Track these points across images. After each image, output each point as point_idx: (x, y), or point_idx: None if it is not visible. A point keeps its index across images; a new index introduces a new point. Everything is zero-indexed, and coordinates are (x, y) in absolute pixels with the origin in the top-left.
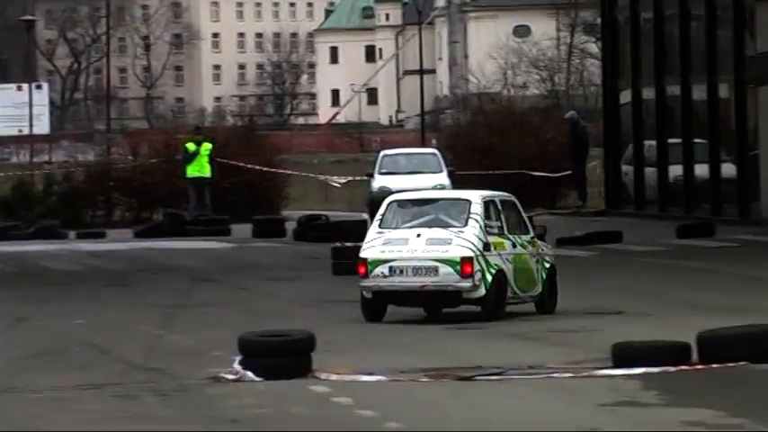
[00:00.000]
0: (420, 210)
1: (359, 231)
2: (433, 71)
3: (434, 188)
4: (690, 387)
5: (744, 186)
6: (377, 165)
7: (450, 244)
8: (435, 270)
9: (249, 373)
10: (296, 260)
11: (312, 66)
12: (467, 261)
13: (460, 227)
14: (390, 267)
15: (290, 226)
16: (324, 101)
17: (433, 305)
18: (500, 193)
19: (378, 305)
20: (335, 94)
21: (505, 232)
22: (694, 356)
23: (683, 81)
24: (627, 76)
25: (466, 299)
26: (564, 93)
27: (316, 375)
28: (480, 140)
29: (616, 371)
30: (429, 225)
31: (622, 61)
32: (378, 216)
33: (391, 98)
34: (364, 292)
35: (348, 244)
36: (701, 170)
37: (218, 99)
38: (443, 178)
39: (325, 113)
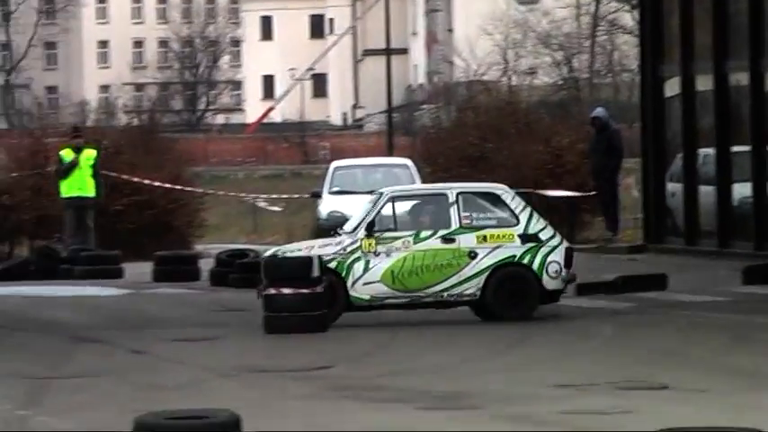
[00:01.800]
0: None
1: (302, 273)
2: (404, 51)
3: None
4: None
5: None
6: (326, 181)
7: None
8: None
9: None
10: (214, 313)
11: (237, 43)
12: None
13: None
14: None
15: (207, 265)
16: (253, 92)
17: None
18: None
19: None
20: (269, 82)
21: None
22: None
23: (752, 66)
24: (674, 60)
25: None
26: (586, 82)
27: None
28: (470, 146)
29: None
30: None
31: (668, 38)
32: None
33: (346, 89)
34: None
35: (286, 291)
36: None
37: (104, 88)
38: None
39: (254, 110)
